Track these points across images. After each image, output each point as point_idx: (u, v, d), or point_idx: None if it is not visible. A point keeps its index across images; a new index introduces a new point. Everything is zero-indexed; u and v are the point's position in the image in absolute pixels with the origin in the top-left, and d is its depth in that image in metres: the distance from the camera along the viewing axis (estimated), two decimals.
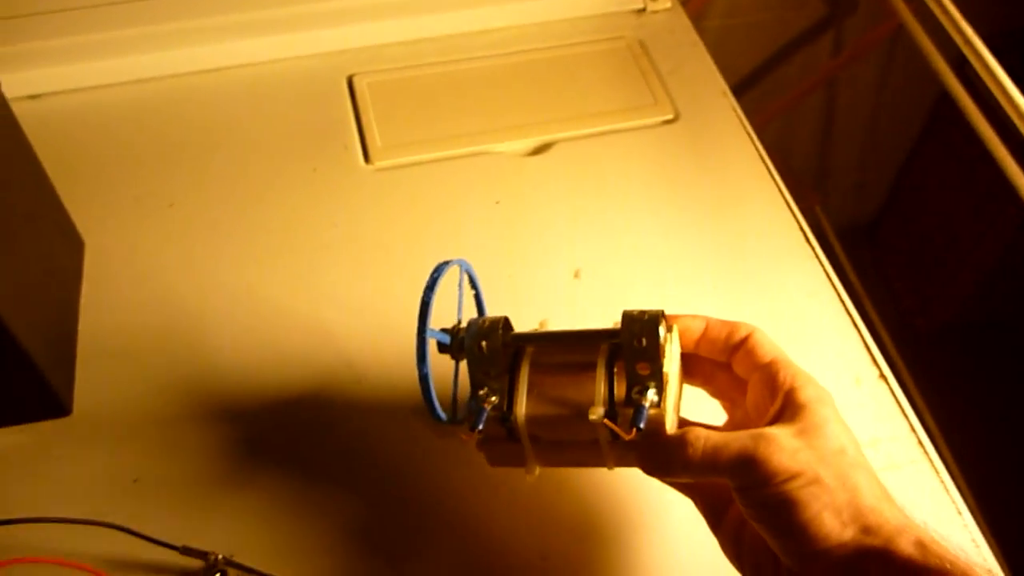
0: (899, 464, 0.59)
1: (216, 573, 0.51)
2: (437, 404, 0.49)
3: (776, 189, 0.74)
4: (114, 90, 0.79)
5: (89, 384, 0.60)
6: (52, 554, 0.51)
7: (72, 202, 0.66)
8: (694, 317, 0.48)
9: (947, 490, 0.58)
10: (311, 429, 0.59)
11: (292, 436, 0.59)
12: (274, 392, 0.61)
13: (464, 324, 0.50)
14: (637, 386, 0.44)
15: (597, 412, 0.44)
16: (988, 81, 0.66)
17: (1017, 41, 1.26)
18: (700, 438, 0.42)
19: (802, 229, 0.71)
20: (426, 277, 0.49)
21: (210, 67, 0.80)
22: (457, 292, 0.54)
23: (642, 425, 0.43)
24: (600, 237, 0.70)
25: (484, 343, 0.47)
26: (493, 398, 0.46)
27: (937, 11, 0.70)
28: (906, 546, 0.38)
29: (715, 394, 0.51)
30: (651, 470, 0.45)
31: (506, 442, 0.47)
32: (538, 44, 0.84)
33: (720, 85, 0.81)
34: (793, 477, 0.39)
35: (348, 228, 0.70)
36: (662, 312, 0.45)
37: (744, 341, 0.46)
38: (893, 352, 1.37)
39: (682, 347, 0.48)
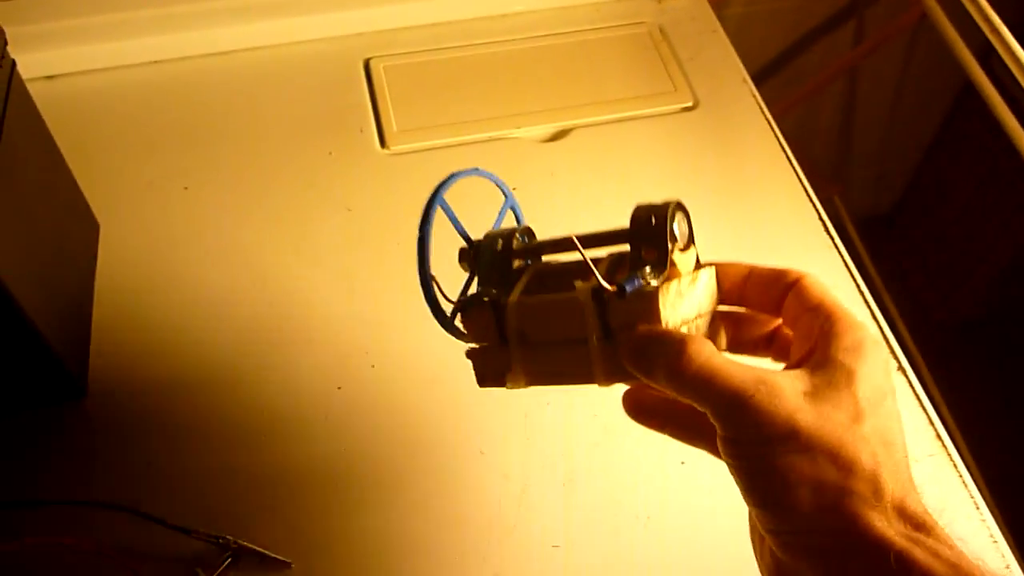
0: (917, 457, 0.58)
1: (228, 556, 0.51)
2: (437, 291, 0.45)
3: (796, 178, 0.73)
4: (130, 71, 0.78)
5: (103, 367, 0.60)
6: (65, 536, 0.51)
7: (87, 184, 0.65)
8: (736, 263, 0.42)
9: (965, 484, 0.57)
10: (324, 413, 0.59)
11: (304, 420, 0.59)
12: (288, 375, 0.61)
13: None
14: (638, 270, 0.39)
15: (585, 286, 0.39)
16: (1015, 70, 0.64)
17: None
18: (703, 352, 0.35)
19: (821, 219, 0.70)
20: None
21: (227, 49, 0.80)
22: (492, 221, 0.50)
23: (628, 287, 0.37)
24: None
25: (500, 242, 0.45)
26: (493, 291, 0.44)
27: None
28: (913, 548, 0.32)
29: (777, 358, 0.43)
30: (634, 363, 0.37)
31: (496, 351, 0.43)
32: (557, 29, 0.83)
33: (740, 72, 0.80)
34: (778, 440, 0.33)
35: (362, 212, 0.70)
36: (679, 201, 0.41)
37: (795, 284, 0.39)
38: (911, 345, 1.36)
39: (725, 288, 0.43)
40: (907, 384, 0.62)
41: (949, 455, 0.58)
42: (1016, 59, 0.64)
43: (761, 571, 0.38)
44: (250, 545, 0.52)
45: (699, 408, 0.35)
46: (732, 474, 0.35)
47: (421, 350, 0.62)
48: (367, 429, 0.58)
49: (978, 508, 0.56)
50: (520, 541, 0.54)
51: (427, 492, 0.56)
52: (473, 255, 0.46)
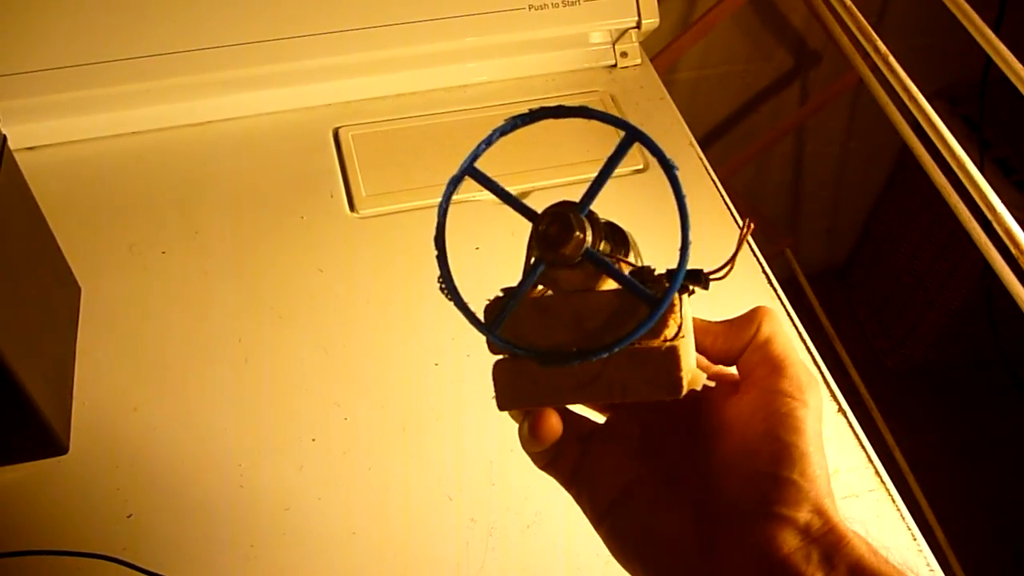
0: (857, 492, 0.62)
1: None
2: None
3: (739, 234, 0.77)
4: (109, 142, 0.82)
5: (85, 424, 0.63)
6: None
7: (69, 249, 0.68)
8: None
9: (903, 517, 0.61)
10: (299, 463, 0.62)
11: (280, 470, 0.61)
12: (263, 429, 0.64)
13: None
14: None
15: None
16: (934, 138, 0.70)
17: (973, 91, 1.32)
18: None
19: (765, 273, 0.75)
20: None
21: (202, 120, 0.84)
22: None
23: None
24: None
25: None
26: None
27: (887, 73, 0.75)
28: (860, 544, 0.35)
29: None
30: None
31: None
32: (516, 98, 0.88)
33: (687, 136, 0.86)
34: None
35: (333, 273, 0.73)
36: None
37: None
38: (863, 390, 1.41)
39: None
40: (847, 424, 0.66)
41: (887, 490, 0.62)
42: (936, 129, 0.70)
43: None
44: None
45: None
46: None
47: (390, 403, 0.65)
48: (340, 478, 0.61)
49: (915, 539, 0.60)
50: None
51: (399, 537, 0.59)
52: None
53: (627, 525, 0.40)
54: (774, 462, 0.36)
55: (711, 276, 0.38)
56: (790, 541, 0.35)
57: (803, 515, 0.35)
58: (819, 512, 0.35)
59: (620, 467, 0.41)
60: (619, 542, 0.40)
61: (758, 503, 0.36)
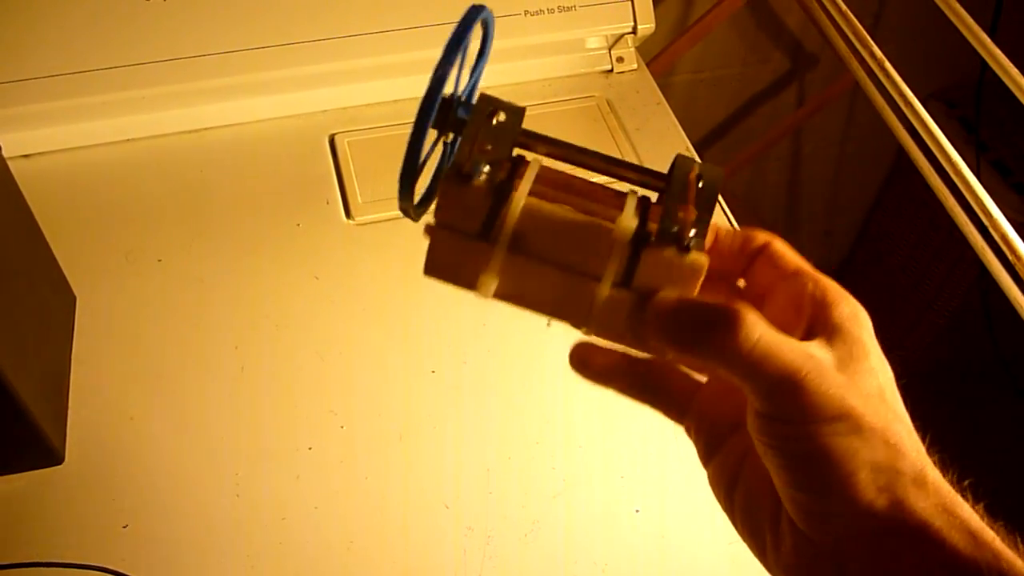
0: None
1: None
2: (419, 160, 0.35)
3: None
4: (105, 149, 0.82)
5: (80, 434, 0.63)
6: None
7: (64, 258, 0.68)
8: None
9: None
10: (295, 472, 0.62)
11: (277, 479, 0.61)
12: (260, 437, 0.63)
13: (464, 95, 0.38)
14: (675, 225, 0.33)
15: (627, 222, 0.33)
16: (929, 142, 0.70)
17: (970, 93, 1.32)
18: (758, 329, 0.31)
19: None
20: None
21: (197, 127, 0.84)
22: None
23: (692, 245, 0.33)
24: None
25: (504, 114, 0.35)
26: (485, 167, 0.34)
27: (881, 77, 0.75)
28: (952, 531, 0.31)
29: None
30: (673, 335, 0.33)
31: (470, 242, 0.34)
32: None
33: (684, 140, 0.86)
34: (836, 419, 0.31)
35: (330, 280, 0.73)
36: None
37: (763, 249, 0.37)
38: None
39: None
40: None
41: None
42: (929, 131, 0.70)
43: (765, 551, 0.35)
44: None
45: (737, 383, 0.32)
46: (771, 460, 0.32)
47: (387, 410, 0.65)
48: (337, 487, 0.61)
49: None
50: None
51: (396, 546, 0.59)
52: (458, 119, 0.35)
53: (726, 468, 0.37)
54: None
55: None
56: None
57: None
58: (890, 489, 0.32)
59: (730, 409, 0.38)
60: (716, 483, 0.37)
61: None
